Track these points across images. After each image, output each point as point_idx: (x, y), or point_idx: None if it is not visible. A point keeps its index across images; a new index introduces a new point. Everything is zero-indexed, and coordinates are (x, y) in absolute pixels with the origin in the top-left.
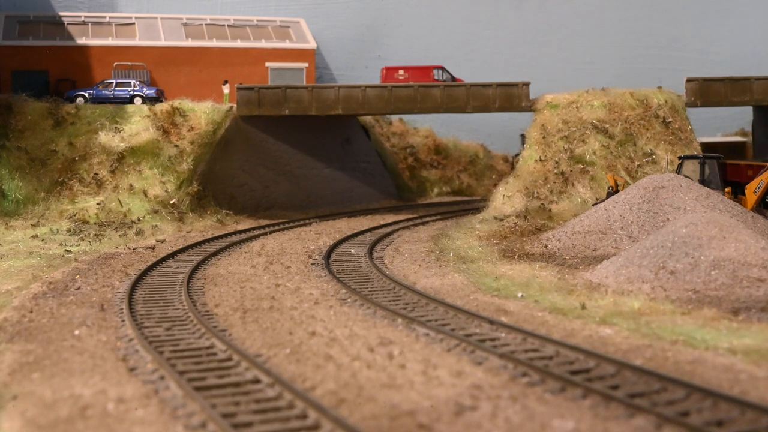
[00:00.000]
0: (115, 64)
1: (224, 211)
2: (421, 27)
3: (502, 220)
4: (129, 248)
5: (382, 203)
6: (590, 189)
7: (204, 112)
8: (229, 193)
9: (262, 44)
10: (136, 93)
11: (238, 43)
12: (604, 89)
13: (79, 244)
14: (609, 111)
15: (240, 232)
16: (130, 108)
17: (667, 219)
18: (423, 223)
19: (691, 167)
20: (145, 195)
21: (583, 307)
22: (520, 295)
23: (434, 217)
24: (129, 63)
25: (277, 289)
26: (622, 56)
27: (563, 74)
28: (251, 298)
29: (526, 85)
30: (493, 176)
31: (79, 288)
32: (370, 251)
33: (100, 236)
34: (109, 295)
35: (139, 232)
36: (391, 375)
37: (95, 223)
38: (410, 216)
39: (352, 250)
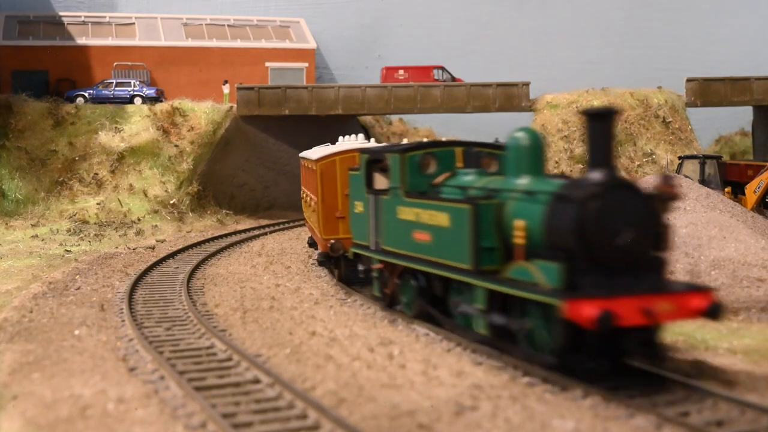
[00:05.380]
0: (115, 64)
1: (224, 211)
2: (421, 27)
3: None
4: (129, 248)
5: None
6: None
7: (204, 112)
8: (229, 193)
9: (262, 44)
10: (136, 93)
11: (238, 43)
12: (604, 89)
13: (79, 244)
14: None
15: (240, 232)
16: (130, 108)
17: (667, 219)
18: None
19: (691, 167)
20: (145, 195)
21: None
22: None
23: None
24: (129, 63)
25: (277, 289)
26: (622, 56)
27: (563, 74)
28: (251, 298)
29: (526, 85)
30: None
31: (79, 288)
32: None
33: (100, 236)
34: (109, 295)
35: (139, 232)
36: (391, 375)
37: (95, 223)
38: None
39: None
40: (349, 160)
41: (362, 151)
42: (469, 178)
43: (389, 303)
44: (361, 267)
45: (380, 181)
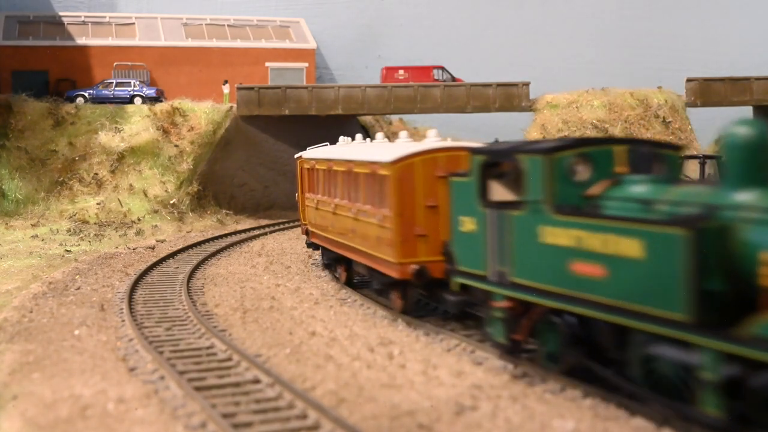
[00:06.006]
0: (115, 64)
1: (224, 211)
2: (421, 27)
3: None
4: (129, 248)
5: None
6: None
7: (204, 112)
8: (229, 193)
9: (262, 44)
10: (136, 93)
11: (238, 43)
12: (604, 89)
13: (79, 244)
14: (609, 111)
15: (240, 232)
16: (130, 108)
17: None
18: None
19: (691, 167)
20: (145, 195)
21: None
22: None
23: None
24: (129, 63)
25: (277, 289)
26: (622, 56)
27: (563, 74)
28: (251, 298)
29: (526, 85)
30: None
31: (79, 288)
32: None
33: (100, 236)
34: (109, 295)
35: (139, 232)
36: (391, 375)
37: (95, 223)
38: None
39: None
40: (430, 162)
41: (474, 150)
42: (644, 188)
43: (513, 350)
44: (452, 298)
45: (497, 191)
